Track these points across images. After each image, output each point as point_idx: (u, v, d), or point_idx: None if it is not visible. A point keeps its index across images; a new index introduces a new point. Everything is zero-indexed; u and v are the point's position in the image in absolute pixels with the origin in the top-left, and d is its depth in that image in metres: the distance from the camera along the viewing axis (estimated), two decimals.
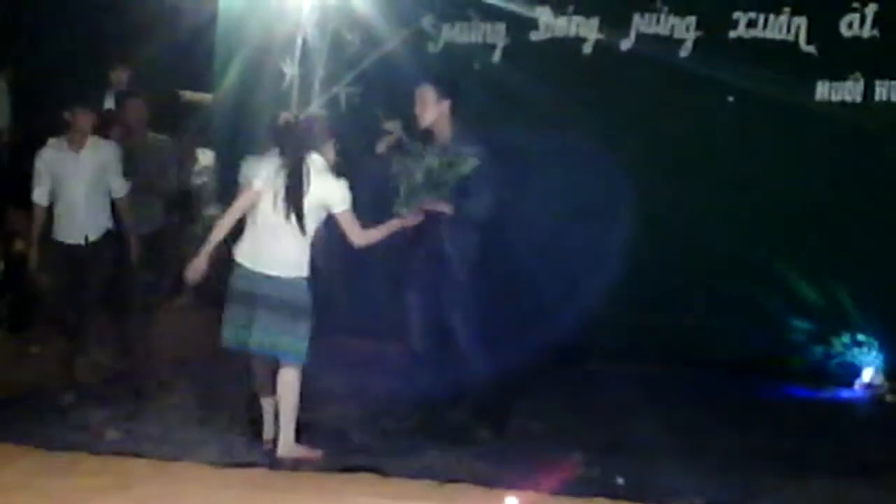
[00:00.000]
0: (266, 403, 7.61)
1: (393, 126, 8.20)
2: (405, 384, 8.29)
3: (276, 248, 7.34)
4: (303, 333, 7.32)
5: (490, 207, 7.95)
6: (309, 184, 7.30)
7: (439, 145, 7.94)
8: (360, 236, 7.53)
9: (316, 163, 7.37)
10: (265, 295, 7.29)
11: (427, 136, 8.04)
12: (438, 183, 7.78)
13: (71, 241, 8.85)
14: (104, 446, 7.55)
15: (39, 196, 8.88)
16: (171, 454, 7.42)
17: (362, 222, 7.56)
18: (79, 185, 8.84)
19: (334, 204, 7.39)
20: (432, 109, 8.03)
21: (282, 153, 7.41)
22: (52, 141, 8.87)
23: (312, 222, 7.38)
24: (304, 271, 7.37)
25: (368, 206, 7.79)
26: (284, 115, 8.11)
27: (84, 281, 8.86)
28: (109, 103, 12.12)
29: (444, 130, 8.04)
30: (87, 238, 8.86)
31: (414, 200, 7.75)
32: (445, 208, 7.80)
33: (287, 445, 7.39)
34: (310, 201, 7.31)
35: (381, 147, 8.41)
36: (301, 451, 7.41)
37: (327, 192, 7.37)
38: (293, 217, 7.28)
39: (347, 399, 8.55)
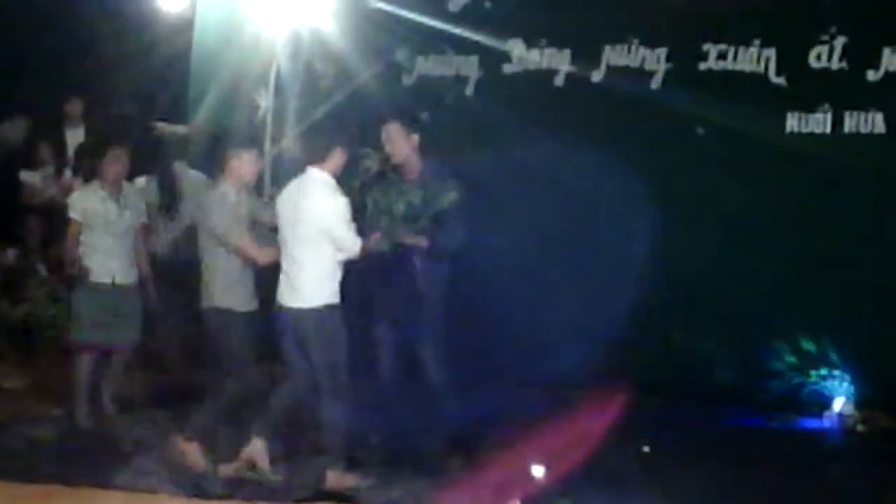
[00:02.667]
0: None
1: (371, 161, 8.24)
2: (377, 415, 8.29)
3: None
4: None
5: (462, 240, 8.04)
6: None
7: (416, 179, 8.01)
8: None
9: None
10: None
11: (398, 170, 8.10)
12: (418, 216, 7.87)
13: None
14: (78, 478, 7.53)
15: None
16: (145, 486, 7.46)
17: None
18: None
19: None
20: (403, 145, 8.08)
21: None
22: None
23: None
24: None
25: None
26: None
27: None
28: (75, 138, 12.20)
29: (415, 164, 8.09)
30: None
31: (394, 233, 7.83)
32: (423, 242, 7.88)
33: None
34: None
35: (356, 182, 8.43)
36: None
37: None
38: None
39: (321, 430, 8.51)
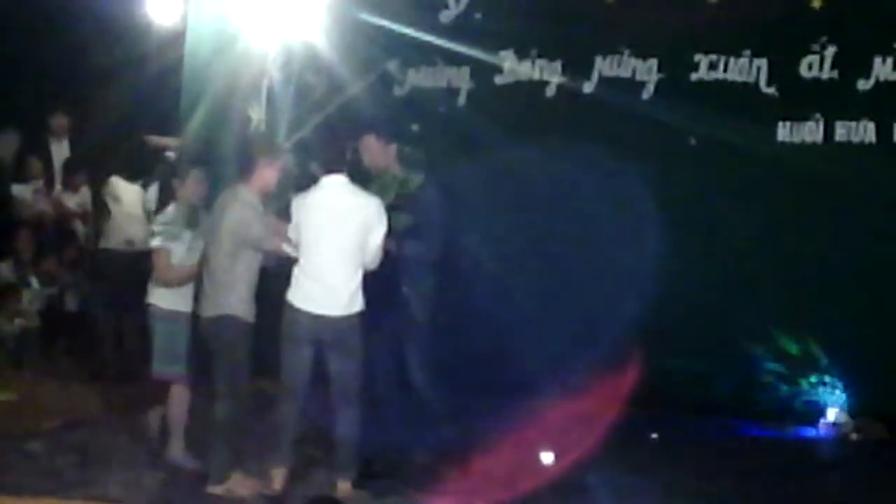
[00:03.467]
0: None
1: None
2: (370, 429, 8.29)
3: None
4: None
5: (439, 248, 8.11)
6: None
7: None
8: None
9: None
10: None
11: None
12: (390, 206, 7.88)
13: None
14: (72, 491, 7.51)
15: None
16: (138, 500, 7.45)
17: None
18: None
19: None
20: (380, 156, 8.17)
21: None
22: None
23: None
24: None
25: None
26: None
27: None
28: (60, 152, 12.22)
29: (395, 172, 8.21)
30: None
31: None
32: (391, 246, 7.87)
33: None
34: None
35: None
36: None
37: None
38: None
39: (313, 444, 8.52)
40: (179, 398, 8.15)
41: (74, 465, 8.13)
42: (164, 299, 8.09)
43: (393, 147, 8.18)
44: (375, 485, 7.74)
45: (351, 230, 7.41)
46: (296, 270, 7.50)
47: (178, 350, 8.08)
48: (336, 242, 7.41)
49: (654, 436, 8.98)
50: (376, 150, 8.16)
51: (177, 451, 8.17)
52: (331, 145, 7.79)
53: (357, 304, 7.46)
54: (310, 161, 7.85)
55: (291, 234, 7.54)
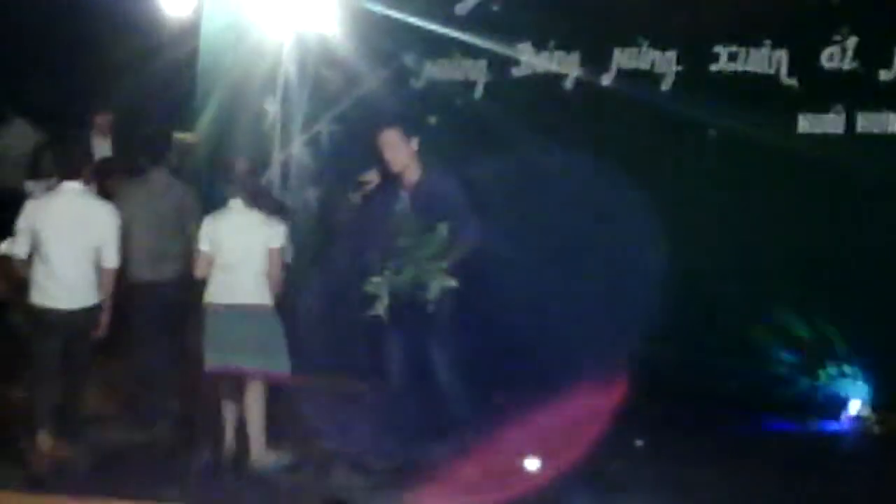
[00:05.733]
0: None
1: (372, 175, 8.35)
2: (388, 423, 8.29)
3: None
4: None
5: (476, 240, 8.05)
6: None
7: (412, 193, 8.04)
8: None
9: None
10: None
11: (399, 177, 8.14)
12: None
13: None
14: (103, 490, 7.53)
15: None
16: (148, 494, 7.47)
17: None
18: None
19: None
20: (403, 151, 8.13)
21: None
22: None
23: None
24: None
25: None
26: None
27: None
28: (103, 150, 12.19)
29: (414, 172, 8.15)
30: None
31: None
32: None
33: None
34: None
35: (356, 197, 8.54)
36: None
37: None
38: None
39: (331, 437, 8.51)
40: (259, 394, 8.15)
41: (107, 463, 8.13)
42: (266, 297, 8.20)
43: (414, 142, 8.15)
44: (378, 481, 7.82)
45: (87, 235, 8.11)
46: (36, 272, 8.10)
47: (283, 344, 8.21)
48: (73, 245, 8.08)
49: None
50: (398, 146, 8.11)
51: (262, 452, 8.13)
52: (66, 152, 8.31)
53: (94, 297, 8.15)
54: (49, 166, 8.18)
55: (22, 237, 8.09)
